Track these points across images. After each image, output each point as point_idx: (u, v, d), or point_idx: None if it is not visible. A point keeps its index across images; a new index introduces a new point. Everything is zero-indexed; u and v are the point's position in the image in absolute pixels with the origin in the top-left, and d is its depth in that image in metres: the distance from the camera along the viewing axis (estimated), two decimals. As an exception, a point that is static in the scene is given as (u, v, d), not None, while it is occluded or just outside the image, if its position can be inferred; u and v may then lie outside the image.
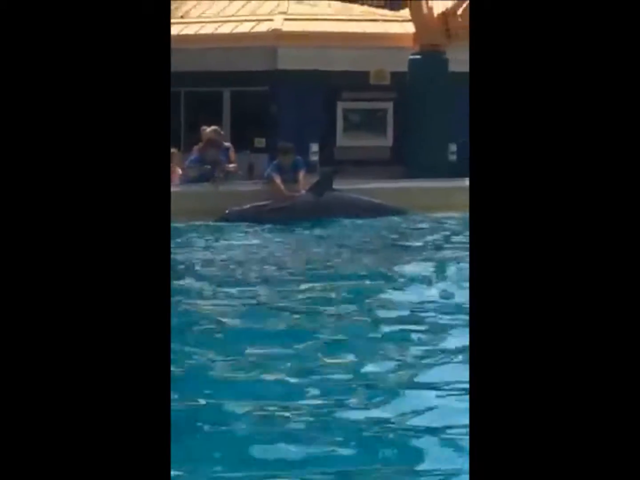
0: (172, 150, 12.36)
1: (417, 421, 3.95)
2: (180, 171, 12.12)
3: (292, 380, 4.50)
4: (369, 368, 4.77)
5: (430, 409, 4.06)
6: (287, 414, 4.03)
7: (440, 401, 4.17)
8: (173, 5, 16.60)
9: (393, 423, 3.90)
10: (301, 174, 11.55)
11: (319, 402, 4.19)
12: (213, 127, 12.61)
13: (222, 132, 12.87)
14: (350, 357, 4.95)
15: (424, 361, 4.91)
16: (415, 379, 4.61)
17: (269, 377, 4.53)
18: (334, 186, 11.31)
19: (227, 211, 10.84)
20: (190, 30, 15.47)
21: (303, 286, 7.01)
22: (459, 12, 13.97)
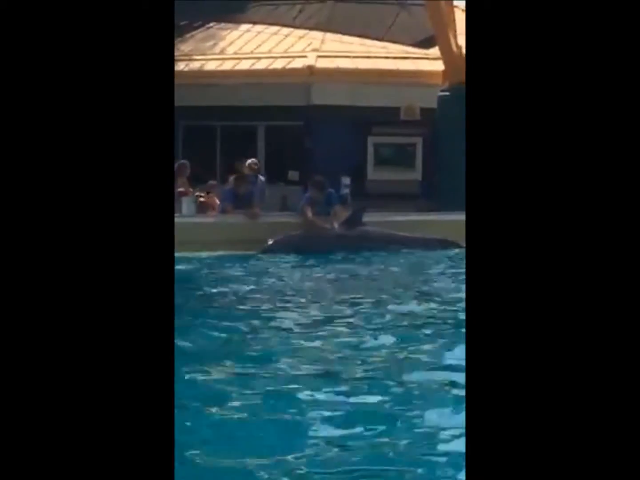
0: (212, 182, 12.93)
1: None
2: (218, 201, 12.54)
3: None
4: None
5: None
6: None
7: None
8: (211, 42, 17.16)
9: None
10: (335, 207, 11.83)
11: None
12: (249, 160, 12.91)
13: (257, 165, 13.23)
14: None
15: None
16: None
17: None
18: (365, 219, 11.56)
19: (270, 242, 11.03)
20: (227, 66, 15.90)
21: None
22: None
